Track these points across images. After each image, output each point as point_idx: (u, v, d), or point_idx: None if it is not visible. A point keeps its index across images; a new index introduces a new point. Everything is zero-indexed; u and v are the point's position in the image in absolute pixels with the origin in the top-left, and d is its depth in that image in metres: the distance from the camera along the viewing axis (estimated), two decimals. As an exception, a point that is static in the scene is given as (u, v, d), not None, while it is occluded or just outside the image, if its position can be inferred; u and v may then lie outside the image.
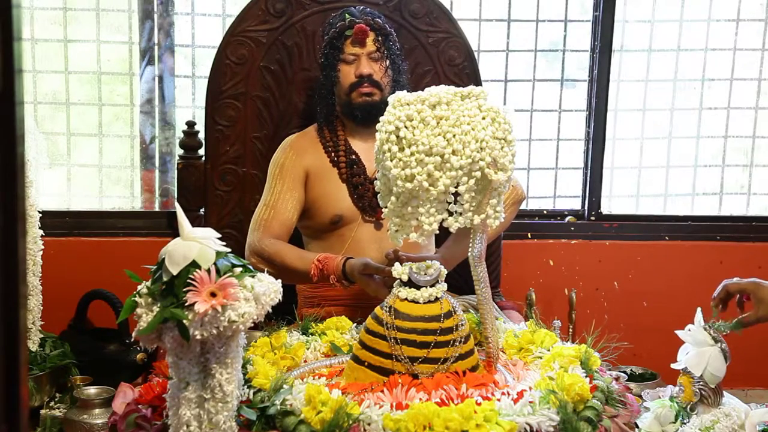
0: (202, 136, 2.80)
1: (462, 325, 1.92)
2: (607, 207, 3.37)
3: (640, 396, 2.19)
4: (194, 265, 1.55)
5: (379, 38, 2.48)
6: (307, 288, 2.55)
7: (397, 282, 1.95)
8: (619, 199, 3.42)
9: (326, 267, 2.31)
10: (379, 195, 1.99)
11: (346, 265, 2.29)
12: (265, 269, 1.75)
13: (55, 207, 3.13)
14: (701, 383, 2.10)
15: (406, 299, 1.91)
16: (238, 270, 1.58)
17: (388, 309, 1.91)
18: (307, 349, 2.11)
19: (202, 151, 2.81)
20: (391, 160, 1.90)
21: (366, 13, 2.51)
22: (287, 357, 2.03)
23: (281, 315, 2.25)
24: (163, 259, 1.56)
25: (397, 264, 1.97)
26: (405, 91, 1.98)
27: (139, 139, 3.23)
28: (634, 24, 3.32)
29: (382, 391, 1.79)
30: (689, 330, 2.13)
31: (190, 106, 3.22)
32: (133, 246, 3.08)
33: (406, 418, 1.63)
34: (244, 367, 1.82)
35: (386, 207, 1.97)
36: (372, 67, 2.47)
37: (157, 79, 3.19)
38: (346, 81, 2.48)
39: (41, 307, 2.55)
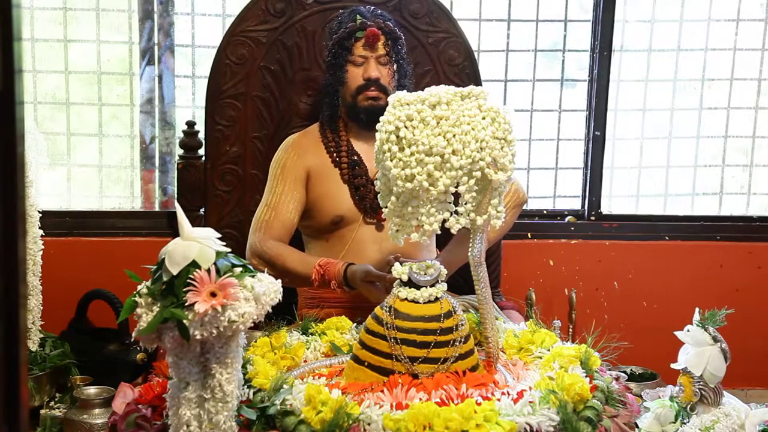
0: (202, 136, 2.80)
1: (462, 325, 1.92)
2: (607, 207, 3.37)
3: (640, 396, 2.19)
4: (194, 265, 1.55)
5: (389, 42, 2.47)
6: (307, 289, 2.55)
7: (397, 282, 1.95)
8: (619, 199, 3.42)
9: (327, 272, 2.31)
10: (379, 195, 2.00)
11: (347, 271, 2.29)
12: (266, 270, 1.75)
13: (55, 207, 3.14)
14: (701, 383, 2.10)
15: (406, 299, 1.91)
16: (238, 270, 1.58)
17: (388, 309, 1.91)
18: (307, 349, 2.11)
19: (202, 151, 2.81)
20: (391, 160, 1.90)
21: (377, 15, 2.49)
22: (287, 357, 2.03)
23: (281, 315, 2.25)
24: (163, 259, 1.56)
25: (397, 264, 1.97)
26: (405, 91, 1.98)
27: (139, 139, 3.23)
28: (634, 24, 3.32)
29: (382, 391, 1.79)
30: (688, 330, 2.14)
31: (190, 106, 3.22)
32: (133, 246, 3.08)
33: (406, 418, 1.63)
34: (244, 367, 1.82)
35: (386, 207, 1.97)
36: (380, 71, 2.46)
37: (157, 79, 3.19)
38: (354, 83, 2.47)
39: (41, 307, 2.55)
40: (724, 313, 2.14)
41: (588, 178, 3.32)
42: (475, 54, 2.91)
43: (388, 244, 2.39)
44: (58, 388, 2.57)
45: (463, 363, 1.89)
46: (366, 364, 1.90)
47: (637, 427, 2.04)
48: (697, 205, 3.44)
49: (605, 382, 1.91)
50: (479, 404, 1.70)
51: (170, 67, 3.20)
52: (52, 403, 2.52)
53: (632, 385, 2.48)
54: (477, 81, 2.76)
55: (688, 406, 2.11)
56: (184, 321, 1.52)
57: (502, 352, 2.09)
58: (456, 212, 1.95)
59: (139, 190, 3.26)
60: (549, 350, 2.03)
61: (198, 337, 1.52)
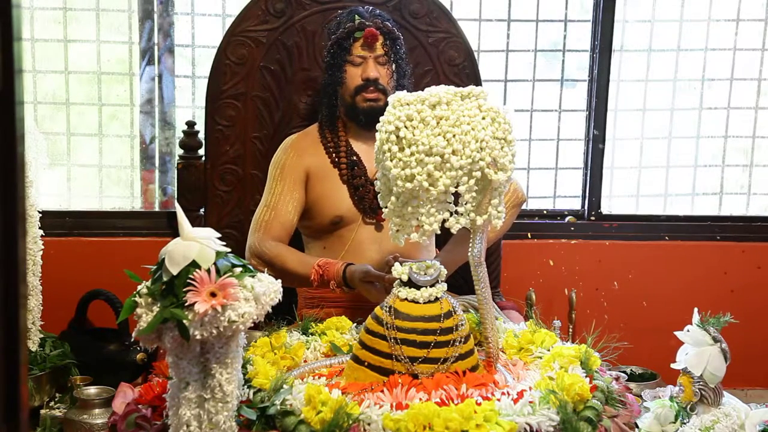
0: (202, 136, 2.80)
1: (462, 325, 1.92)
2: (607, 207, 3.37)
3: (640, 396, 2.19)
4: (194, 265, 1.55)
5: (388, 42, 2.47)
6: (307, 289, 2.55)
7: (397, 282, 1.95)
8: (619, 199, 3.42)
9: (326, 272, 2.31)
10: (379, 195, 2.00)
11: (346, 271, 2.29)
12: (265, 271, 1.75)
13: (55, 207, 3.14)
14: (701, 383, 2.10)
15: (406, 299, 1.91)
16: (238, 270, 1.58)
17: (388, 309, 1.91)
18: (307, 349, 2.11)
19: (202, 151, 2.81)
20: (391, 160, 1.90)
21: (376, 15, 2.49)
22: (287, 357, 2.03)
23: (281, 315, 2.25)
24: (163, 259, 1.56)
25: (396, 264, 1.97)
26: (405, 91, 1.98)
27: (139, 139, 3.23)
28: (634, 24, 3.32)
29: (382, 391, 1.79)
30: (688, 330, 2.14)
31: (190, 106, 3.22)
32: (133, 246, 3.08)
33: (406, 418, 1.63)
34: (244, 367, 1.82)
35: (386, 207, 1.97)
36: (379, 71, 2.46)
37: (156, 79, 3.19)
38: (352, 83, 2.47)
39: (41, 307, 2.56)
40: (728, 320, 2.13)
41: (588, 178, 3.32)
42: (475, 54, 2.91)
43: (388, 244, 2.39)
44: (58, 388, 2.57)
45: (463, 363, 1.89)
46: (366, 364, 1.90)
47: (637, 427, 2.04)
48: (697, 205, 3.44)
49: (605, 382, 1.91)
50: (479, 404, 1.70)
51: (170, 67, 3.20)
52: (52, 403, 2.52)
53: (632, 385, 2.48)
54: (477, 81, 2.76)
55: (688, 406, 2.11)
56: (184, 321, 1.52)
57: (502, 352, 2.09)
58: (456, 212, 1.95)
59: (139, 190, 3.26)
60: (549, 350, 2.03)
61: (198, 337, 1.52)
